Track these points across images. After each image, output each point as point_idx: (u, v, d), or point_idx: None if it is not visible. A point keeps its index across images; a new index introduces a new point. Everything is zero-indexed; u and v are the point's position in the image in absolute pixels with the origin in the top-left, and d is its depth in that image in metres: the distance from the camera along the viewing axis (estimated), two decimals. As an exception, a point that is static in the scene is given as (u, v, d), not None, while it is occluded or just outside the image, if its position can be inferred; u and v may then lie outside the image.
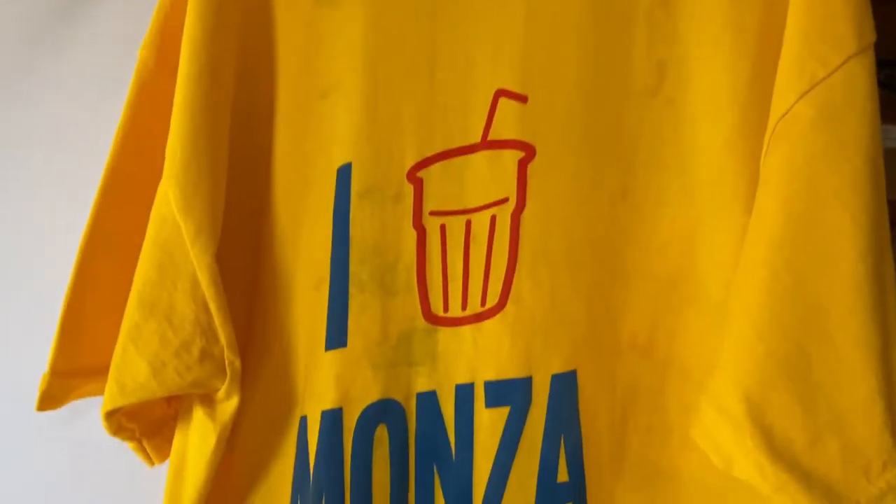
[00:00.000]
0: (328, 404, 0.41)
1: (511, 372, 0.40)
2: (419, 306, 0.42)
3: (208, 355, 0.41)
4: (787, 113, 0.36)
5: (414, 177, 0.42)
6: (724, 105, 0.39)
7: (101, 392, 0.43)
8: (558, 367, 0.40)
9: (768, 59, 0.38)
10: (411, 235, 0.42)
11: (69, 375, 0.45)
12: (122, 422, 0.43)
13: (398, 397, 0.42)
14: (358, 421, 0.41)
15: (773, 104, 0.37)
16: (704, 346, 0.39)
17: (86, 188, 0.45)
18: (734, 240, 0.39)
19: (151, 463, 0.46)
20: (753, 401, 0.35)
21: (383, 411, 0.42)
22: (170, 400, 0.45)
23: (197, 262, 0.40)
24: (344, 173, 0.41)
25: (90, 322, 0.45)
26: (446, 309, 0.42)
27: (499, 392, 0.41)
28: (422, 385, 0.42)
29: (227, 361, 0.41)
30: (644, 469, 0.41)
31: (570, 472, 0.40)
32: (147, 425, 0.45)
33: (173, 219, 0.40)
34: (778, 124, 0.36)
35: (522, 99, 0.40)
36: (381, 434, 0.42)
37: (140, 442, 0.45)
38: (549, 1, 0.40)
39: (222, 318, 0.41)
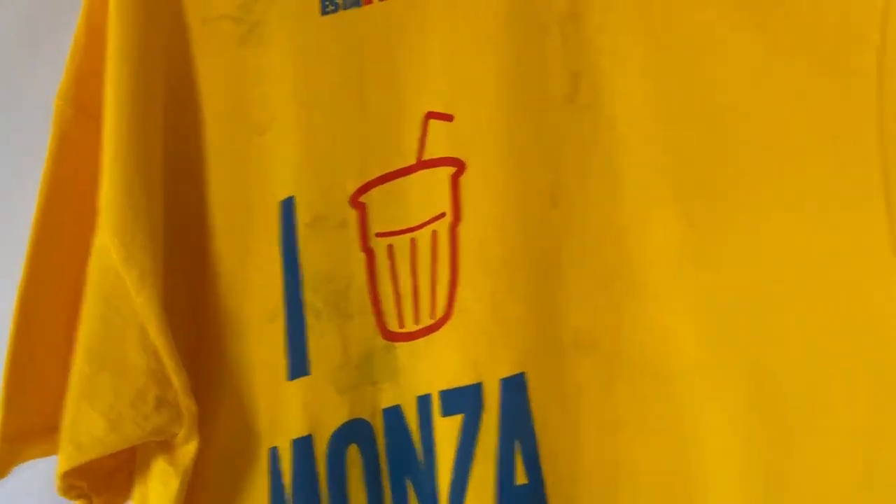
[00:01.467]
0: (297, 432, 0.43)
1: (462, 379, 0.41)
2: (376, 325, 0.43)
3: (164, 402, 0.41)
4: None
5: (357, 202, 0.44)
6: (639, 105, 0.40)
7: (49, 453, 0.43)
8: (506, 371, 0.41)
9: (679, 60, 0.39)
10: (360, 259, 0.44)
11: (15, 439, 0.44)
12: (73, 481, 0.43)
13: (365, 416, 0.43)
14: (329, 444, 0.43)
15: None
16: (646, 337, 0.40)
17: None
18: (663, 229, 0.40)
19: None
20: None
21: (352, 432, 0.43)
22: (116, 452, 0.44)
23: (143, 312, 0.41)
24: (287, 206, 0.44)
25: (35, 380, 0.44)
26: (401, 325, 0.44)
27: (452, 400, 0.42)
28: (386, 401, 0.43)
29: (183, 406, 0.42)
30: (601, 466, 0.41)
31: (528, 475, 0.41)
32: (96, 481, 0.44)
33: (115, 269, 0.41)
34: None
35: (449, 118, 0.42)
36: (353, 454, 0.43)
37: (90, 499, 0.44)
38: (466, 24, 0.43)
39: (174, 364, 0.41)
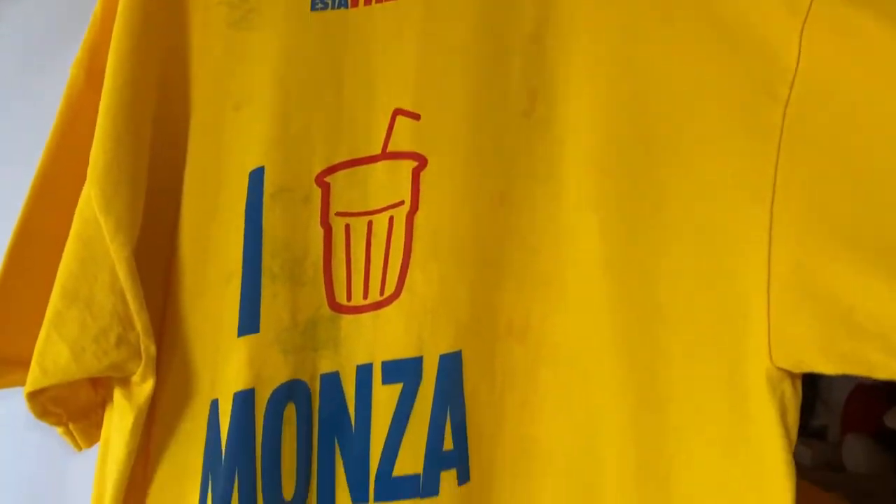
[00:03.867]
0: (240, 385, 0.45)
1: (405, 352, 0.46)
2: (324, 296, 0.47)
3: (124, 341, 0.45)
4: None
5: (322, 181, 0.47)
6: (585, 125, 0.46)
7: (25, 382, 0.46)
8: (445, 348, 0.46)
9: (623, 90, 0.45)
10: (318, 233, 0.47)
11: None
12: (48, 406, 0.47)
13: (304, 378, 0.47)
14: (269, 401, 0.46)
15: None
16: (570, 333, 0.45)
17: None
18: (587, 237, 0.45)
19: (79, 447, 0.50)
20: None
21: (291, 391, 0.46)
22: (96, 387, 0.49)
23: (115, 257, 0.44)
24: (256, 176, 0.47)
25: (16, 315, 0.48)
26: (349, 298, 0.47)
27: (394, 370, 0.46)
28: (325, 367, 0.47)
29: (142, 347, 0.45)
30: (519, 439, 0.46)
31: (454, 442, 0.45)
32: (73, 410, 0.48)
33: (94, 218, 0.44)
34: None
35: (416, 117, 0.47)
36: (290, 412, 0.46)
37: (66, 426, 0.49)
38: (440, 35, 0.47)
39: (138, 307, 0.45)
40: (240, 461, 0.45)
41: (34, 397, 0.46)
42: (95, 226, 0.44)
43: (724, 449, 0.41)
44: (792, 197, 0.40)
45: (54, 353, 0.45)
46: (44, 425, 0.50)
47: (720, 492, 0.41)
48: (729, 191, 0.42)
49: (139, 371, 0.45)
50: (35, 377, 0.45)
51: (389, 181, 0.47)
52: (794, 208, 0.39)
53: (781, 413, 0.40)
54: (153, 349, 0.45)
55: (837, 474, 0.79)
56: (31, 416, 0.47)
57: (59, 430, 0.49)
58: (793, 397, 0.40)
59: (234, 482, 0.44)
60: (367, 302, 0.47)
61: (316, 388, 0.47)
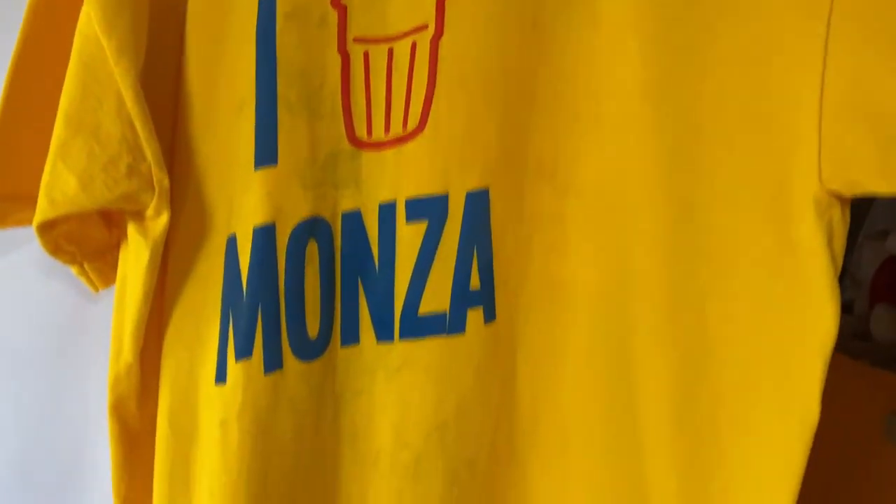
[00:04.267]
0: (260, 220, 0.43)
1: (430, 189, 0.44)
2: (344, 130, 0.44)
3: (135, 171, 0.43)
4: None
5: (338, 2, 0.44)
6: None
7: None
8: (472, 185, 0.43)
9: None
10: (336, 61, 0.44)
11: (2, 199, 0.47)
12: (61, 243, 0.45)
13: (325, 216, 0.45)
14: (290, 236, 0.44)
15: None
16: (602, 170, 0.43)
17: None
18: (628, 65, 0.42)
19: (95, 288, 0.49)
20: None
21: (313, 228, 0.44)
22: (110, 227, 0.48)
23: (121, 81, 0.41)
24: None
25: (21, 148, 0.46)
26: (370, 133, 0.45)
27: (418, 208, 0.44)
28: (346, 205, 0.45)
29: (154, 178, 0.43)
30: (547, 281, 0.45)
31: (481, 280, 0.44)
32: (87, 249, 0.47)
33: (96, 38, 0.41)
34: None
35: None
36: (312, 250, 0.44)
37: (81, 265, 0.48)
38: None
39: (147, 135, 0.42)
40: (262, 297, 0.43)
41: (45, 231, 0.44)
42: (97, 45, 0.42)
43: (766, 276, 0.39)
44: (852, 9, 0.37)
45: (62, 184, 0.43)
46: (63, 273, 0.49)
47: (759, 321, 0.39)
48: (783, 4, 0.39)
49: (152, 204, 0.43)
50: (43, 208, 0.43)
51: (411, 3, 0.43)
52: (854, 21, 0.37)
53: (828, 238, 0.38)
54: (166, 181, 0.44)
55: (864, 343, 0.78)
56: (49, 263, 0.46)
57: (73, 269, 0.48)
58: (840, 223, 0.38)
59: (257, 318, 0.43)
60: (389, 137, 0.44)
61: (337, 227, 0.45)
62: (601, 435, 0.43)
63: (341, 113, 0.44)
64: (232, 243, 0.44)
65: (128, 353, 0.45)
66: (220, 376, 0.44)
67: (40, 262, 0.54)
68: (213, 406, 0.44)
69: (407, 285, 0.44)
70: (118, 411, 0.46)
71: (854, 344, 0.78)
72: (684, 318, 0.41)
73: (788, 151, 0.39)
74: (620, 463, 0.43)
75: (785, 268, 0.39)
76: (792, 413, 0.38)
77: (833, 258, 0.38)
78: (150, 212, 0.44)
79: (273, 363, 0.44)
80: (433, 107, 0.44)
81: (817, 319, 0.38)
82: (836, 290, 0.38)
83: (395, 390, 0.44)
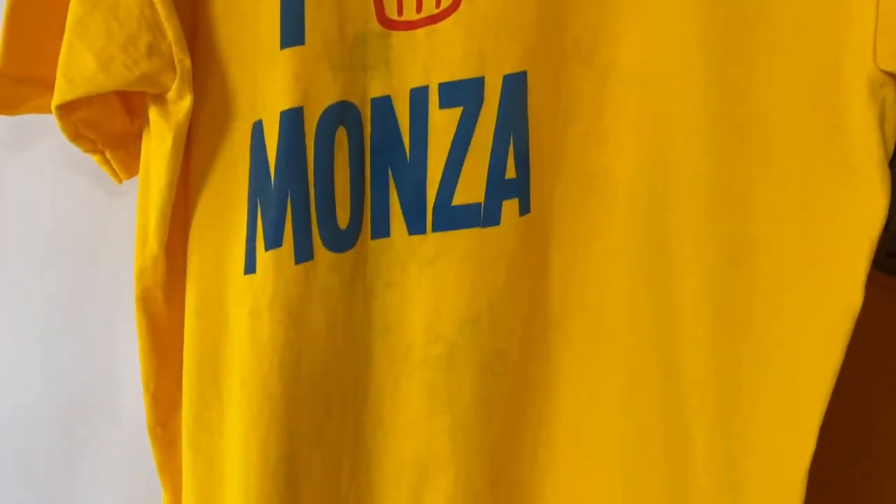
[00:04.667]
0: (287, 103, 0.42)
1: (464, 72, 0.42)
2: (373, 9, 0.42)
3: (156, 51, 0.41)
4: None
5: None
6: None
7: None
8: (510, 68, 0.42)
9: None
10: None
11: (19, 82, 0.44)
12: (81, 129, 0.44)
13: (355, 101, 0.43)
14: (319, 121, 0.42)
15: None
16: (641, 54, 0.41)
17: None
18: None
19: (118, 179, 0.47)
20: None
21: (343, 113, 0.42)
22: (131, 115, 0.46)
23: None
24: None
25: (37, 27, 0.44)
26: (400, 12, 0.42)
27: (452, 93, 0.42)
28: (376, 90, 0.43)
29: (175, 59, 0.41)
30: (584, 172, 0.43)
31: (517, 170, 0.42)
32: (108, 136, 0.45)
33: None
34: None
35: None
36: (341, 136, 0.43)
37: (103, 153, 0.46)
38: None
39: (167, 13, 0.40)
40: (291, 186, 0.42)
41: (64, 114, 0.42)
42: None
43: (813, 160, 0.38)
44: None
45: (80, 64, 0.41)
46: (86, 168, 0.46)
47: (805, 205, 0.39)
48: None
49: (174, 86, 0.41)
50: (61, 88, 0.41)
51: None
52: None
53: (880, 120, 0.37)
54: (188, 62, 0.41)
55: (899, 260, 0.78)
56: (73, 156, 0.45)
57: (95, 158, 0.46)
58: (894, 105, 0.37)
59: (286, 208, 0.42)
60: (421, 16, 0.42)
61: (367, 113, 0.43)
62: (634, 325, 0.43)
63: None
64: (258, 129, 0.43)
65: (153, 244, 0.44)
66: (250, 266, 0.43)
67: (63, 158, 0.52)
68: (243, 296, 0.44)
69: (440, 175, 0.42)
70: (145, 304, 0.45)
71: (889, 261, 0.78)
72: (726, 205, 0.40)
73: (841, 28, 0.37)
74: (653, 353, 0.43)
75: (833, 150, 0.38)
76: (835, 300, 0.38)
77: (884, 140, 0.37)
78: (171, 94, 0.42)
79: (304, 253, 0.43)
80: None
81: (866, 203, 0.37)
82: (887, 173, 0.37)
83: (428, 283, 0.43)
